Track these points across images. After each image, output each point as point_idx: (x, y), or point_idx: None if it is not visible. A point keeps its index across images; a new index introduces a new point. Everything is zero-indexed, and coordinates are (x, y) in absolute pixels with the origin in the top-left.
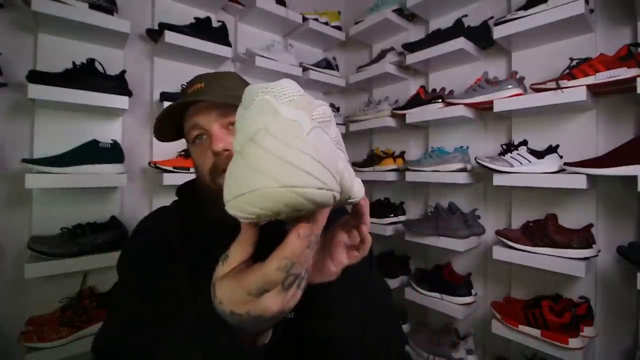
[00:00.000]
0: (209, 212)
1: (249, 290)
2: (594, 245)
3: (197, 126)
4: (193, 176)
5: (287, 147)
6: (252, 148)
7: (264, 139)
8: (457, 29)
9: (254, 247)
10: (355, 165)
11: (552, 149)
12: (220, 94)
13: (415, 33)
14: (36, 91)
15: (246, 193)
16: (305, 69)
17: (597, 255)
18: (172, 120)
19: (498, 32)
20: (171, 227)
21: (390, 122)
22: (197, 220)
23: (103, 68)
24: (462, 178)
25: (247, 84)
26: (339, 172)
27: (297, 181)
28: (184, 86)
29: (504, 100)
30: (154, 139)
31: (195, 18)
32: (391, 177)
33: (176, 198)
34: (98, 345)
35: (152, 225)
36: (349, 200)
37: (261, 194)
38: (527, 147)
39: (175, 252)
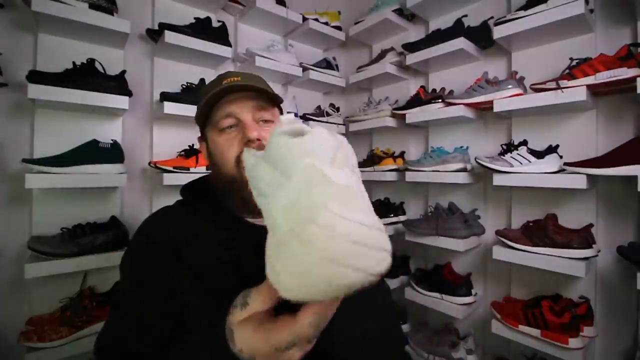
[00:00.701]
0: (227, 203)
1: (277, 346)
2: (594, 245)
3: (231, 115)
4: (194, 176)
5: (356, 226)
6: (317, 232)
7: (330, 221)
8: (457, 29)
9: (276, 302)
10: None
11: (552, 149)
12: (257, 84)
13: (415, 33)
14: (36, 91)
15: (320, 282)
16: (305, 69)
17: (597, 255)
18: (207, 107)
19: (498, 32)
20: (176, 226)
21: (390, 122)
22: (207, 217)
23: (103, 68)
24: (462, 178)
25: (272, 89)
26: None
27: (376, 263)
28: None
29: (504, 100)
30: (154, 139)
31: (195, 18)
32: (391, 177)
33: (179, 198)
34: (99, 345)
35: (156, 224)
36: None
37: (341, 283)
38: (527, 147)
39: (179, 252)
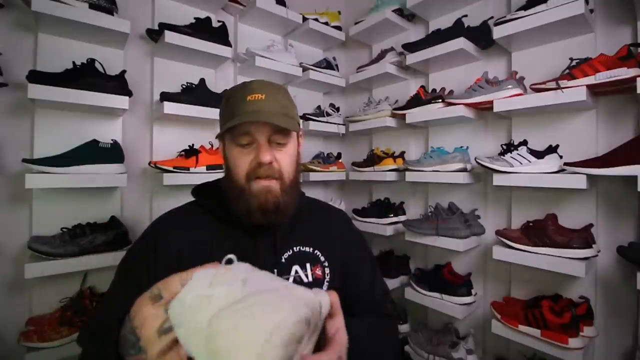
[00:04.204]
0: (232, 207)
1: None
2: (594, 245)
3: (249, 133)
4: (194, 177)
5: None
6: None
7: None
8: (457, 29)
9: None
10: (356, 165)
11: (552, 149)
12: (278, 113)
13: (415, 33)
14: (36, 91)
15: None
16: (305, 69)
17: (597, 255)
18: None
19: (498, 32)
20: (178, 231)
21: (390, 122)
22: (217, 218)
23: (103, 68)
24: (462, 178)
25: (294, 104)
26: None
27: None
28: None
29: (504, 100)
30: (154, 139)
31: (195, 18)
32: (391, 177)
33: (178, 198)
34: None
35: (160, 224)
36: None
37: None
38: (527, 147)
39: (180, 252)
